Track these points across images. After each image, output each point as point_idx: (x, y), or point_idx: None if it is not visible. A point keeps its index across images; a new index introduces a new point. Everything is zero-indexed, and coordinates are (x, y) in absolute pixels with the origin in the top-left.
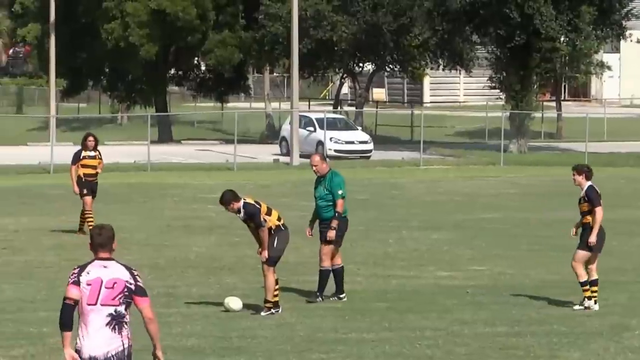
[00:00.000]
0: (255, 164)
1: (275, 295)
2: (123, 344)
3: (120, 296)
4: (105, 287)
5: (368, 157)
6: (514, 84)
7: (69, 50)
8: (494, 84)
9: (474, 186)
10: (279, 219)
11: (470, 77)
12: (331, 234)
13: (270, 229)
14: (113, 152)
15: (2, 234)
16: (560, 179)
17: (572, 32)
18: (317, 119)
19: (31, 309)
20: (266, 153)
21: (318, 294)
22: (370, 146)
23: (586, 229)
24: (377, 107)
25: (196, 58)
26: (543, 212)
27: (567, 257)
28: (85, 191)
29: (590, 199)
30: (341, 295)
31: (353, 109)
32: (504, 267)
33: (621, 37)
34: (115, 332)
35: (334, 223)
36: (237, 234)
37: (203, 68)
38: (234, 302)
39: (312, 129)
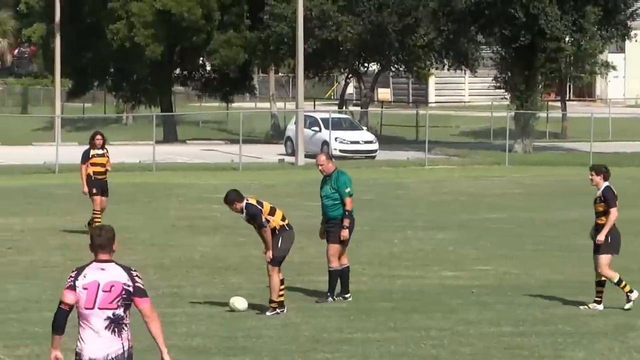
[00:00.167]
0: (261, 164)
1: (281, 295)
2: (123, 347)
3: (118, 299)
4: (103, 291)
5: (373, 157)
6: (519, 84)
7: (74, 50)
8: (499, 84)
9: (479, 186)
10: (283, 219)
11: (475, 77)
12: (345, 234)
13: (274, 229)
14: (118, 152)
15: (8, 234)
16: (565, 179)
17: (577, 32)
18: (322, 119)
19: (36, 308)
20: (271, 153)
21: (328, 294)
22: (375, 146)
23: (599, 230)
24: (382, 107)
25: (201, 58)
26: (548, 212)
27: (572, 257)
28: (94, 190)
29: (607, 199)
30: (346, 295)
31: (358, 108)
32: (509, 267)
33: (626, 37)
34: (115, 335)
35: (346, 222)
36: (242, 234)
37: (208, 68)
38: (239, 302)
39: (317, 129)
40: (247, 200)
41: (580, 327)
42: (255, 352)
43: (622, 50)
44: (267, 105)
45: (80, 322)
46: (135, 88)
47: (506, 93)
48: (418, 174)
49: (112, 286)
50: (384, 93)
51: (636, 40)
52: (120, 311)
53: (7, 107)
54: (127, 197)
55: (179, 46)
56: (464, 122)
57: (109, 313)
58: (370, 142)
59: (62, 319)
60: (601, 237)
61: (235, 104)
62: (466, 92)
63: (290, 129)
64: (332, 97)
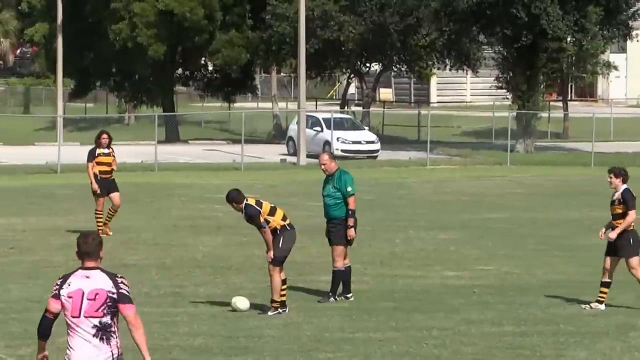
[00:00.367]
0: (263, 164)
1: (283, 295)
2: (112, 354)
3: (103, 307)
4: (87, 299)
5: (375, 157)
6: (521, 84)
7: (76, 50)
8: (500, 84)
9: (480, 186)
10: (284, 219)
11: (477, 77)
12: (351, 233)
13: (275, 229)
14: (120, 152)
15: (10, 234)
16: (567, 179)
17: (579, 32)
18: (324, 119)
19: (38, 308)
20: (273, 153)
21: (330, 294)
22: (377, 146)
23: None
24: (384, 107)
25: (203, 58)
26: (550, 212)
27: (574, 257)
28: (99, 191)
29: (626, 201)
30: (348, 295)
31: (360, 109)
32: (510, 267)
33: (628, 37)
34: (103, 343)
35: (351, 221)
36: (244, 234)
37: (210, 68)
38: (241, 302)
39: (319, 129)
40: (247, 200)
41: (581, 327)
42: (257, 352)
43: (623, 50)
44: (269, 105)
45: (69, 330)
46: (137, 88)
47: (508, 93)
48: (420, 174)
49: (97, 294)
50: (385, 93)
51: (638, 40)
52: (107, 319)
53: (10, 107)
54: (129, 197)
55: (181, 46)
56: (465, 122)
57: (96, 321)
58: (372, 142)
59: (47, 327)
60: (613, 235)
61: (237, 104)
62: (468, 92)
63: (292, 129)
64: (334, 97)
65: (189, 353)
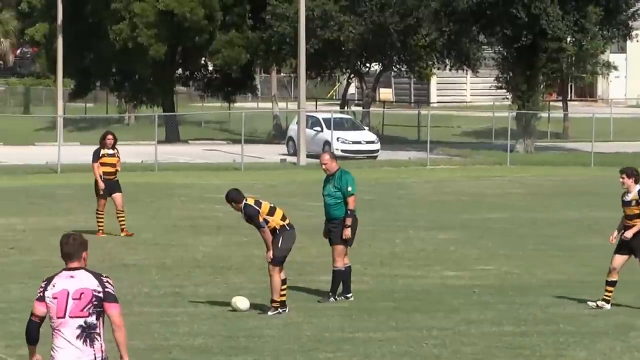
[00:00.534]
0: (263, 164)
1: (282, 295)
2: (95, 358)
3: (89, 306)
4: (73, 299)
5: (375, 157)
6: (521, 84)
7: (76, 51)
8: (500, 84)
9: (480, 186)
10: (283, 219)
11: (477, 77)
12: (347, 232)
13: (274, 229)
14: (120, 152)
15: (10, 234)
16: (567, 179)
17: (579, 33)
18: (324, 119)
19: None
20: (273, 153)
21: (330, 294)
22: (377, 146)
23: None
24: (384, 107)
25: (203, 58)
26: (549, 212)
27: (574, 256)
28: (101, 192)
29: None
30: (348, 295)
31: (360, 109)
32: (510, 267)
33: (627, 37)
34: (86, 345)
35: (348, 221)
36: (244, 234)
37: (210, 68)
38: (241, 302)
39: (319, 129)
40: (246, 200)
41: (581, 327)
42: (257, 352)
43: (623, 50)
44: (269, 105)
45: (53, 332)
46: (137, 88)
47: (508, 93)
48: (420, 174)
49: (82, 293)
50: (385, 93)
51: (637, 41)
52: (92, 319)
53: (10, 107)
54: (129, 197)
55: (181, 46)
56: (465, 122)
57: (81, 321)
58: (372, 142)
59: (34, 331)
60: (629, 234)
61: (237, 104)
62: (468, 92)
63: (292, 129)
64: (334, 97)
65: (189, 353)
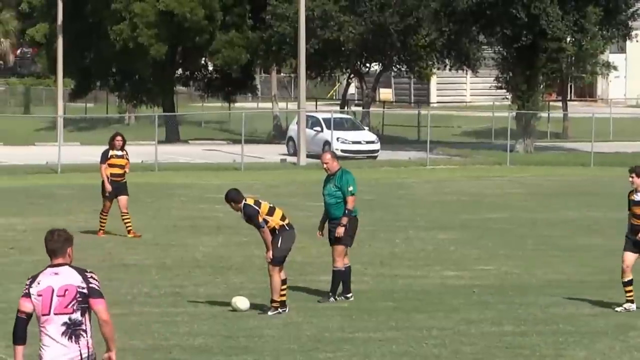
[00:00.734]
0: (263, 164)
1: (282, 295)
2: (81, 354)
3: (73, 303)
4: (57, 296)
5: (375, 157)
6: (521, 84)
7: (76, 50)
8: (500, 84)
9: (480, 186)
10: (282, 219)
11: (477, 77)
12: (340, 231)
13: (274, 229)
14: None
15: (10, 234)
16: (567, 178)
17: (578, 33)
18: (324, 119)
19: None
20: (273, 153)
21: (330, 294)
22: (377, 146)
23: (634, 230)
24: (384, 107)
25: (204, 58)
26: (549, 212)
27: (573, 256)
28: (107, 194)
29: None
30: (348, 295)
31: (360, 109)
32: (510, 267)
33: (627, 37)
34: (72, 342)
35: (344, 220)
36: (244, 234)
37: (210, 68)
38: (241, 302)
39: (319, 129)
40: (246, 200)
41: (581, 327)
42: (257, 352)
43: (623, 50)
44: (269, 105)
45: (40, 330)
46: (137, 88)
47: (507, 93)
48: (420, 174)
49: (66, 290)
50: (385, 93)
51: (637, 41)
52: (77, 315)
53: (10, 107)
54: (130, 197)
55: (182, 46)
56: (465, 122)
57: (65, 318)
58: (372, 142)
59: (22, 328)
60: None
61: (237, 104)
62: (468, 92)
63: (292, 129)
64: (334, 97)
65: (189, 353)
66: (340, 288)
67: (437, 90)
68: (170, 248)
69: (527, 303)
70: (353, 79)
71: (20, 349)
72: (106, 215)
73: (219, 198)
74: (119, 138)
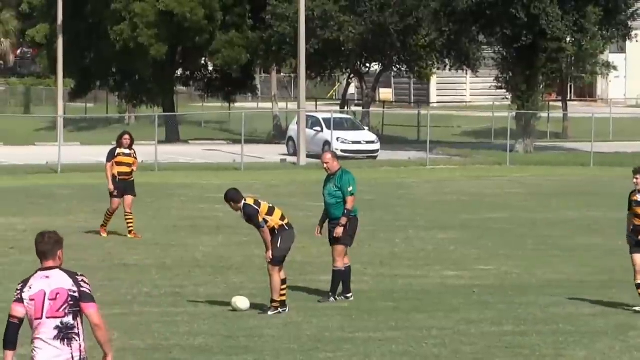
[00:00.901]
0: (263, 164)
1: (282, 295)
2: (73, 357)
3: (64, 306)
4: (49, 299)
5: (375, 157)
6: (520, 84)
7: (76, 51)
8: (500, 84)
9: (480, 186)
10: (282, 218)
11: (477, 77)
12: (338, 231)
13: (273, 228)
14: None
15: (10, 234)
16: (566, 178)
17: (578, 33)
18: (324, 119)
19: None
20: (273, 153)
21: (330, 294)
22: (377, 146)
23: (635, 231)
24: (384, 107)
25: (204, 58)
26: (549, 212)
27: (573, 256)
28: (115, 192)
29: None
30: (348, 295)
31: (360, 109)
32: (510, 267)
33: (627, 37)
34: (64, 345)
35: (343, 220)
36: (244, 234)
37: (210, 68)
38: (242, 302)
39: (319, 129)
40: (245, 200)
41: (581, 327)
42: (257, 352)
43: (622, 50)
44: (269, 105)
45: (33, 333)
46: (137, 88)
47: (507, 93)
48: (419, 174)
49: (58, 294)
50: (385, 93)
51: (637, 41)
52: (69, 319)
53: (10, 107)
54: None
55: (182, 46)
56: (465, 122)
57: (57, 322)
58: (372, 142)
59: (13, 333)
60: None
61: (237, 104)
62: (467, 92)
63: (292, 129)
64: (334, 97)
65: (189, 352)
66: (340, 288)
67: (437, 90)
68: (170, 248)
69: (527, 303)
70: (353, 79)
71: (10, 354)
72: (111, 215)
73: (219, 198)
74: (126, 136)
